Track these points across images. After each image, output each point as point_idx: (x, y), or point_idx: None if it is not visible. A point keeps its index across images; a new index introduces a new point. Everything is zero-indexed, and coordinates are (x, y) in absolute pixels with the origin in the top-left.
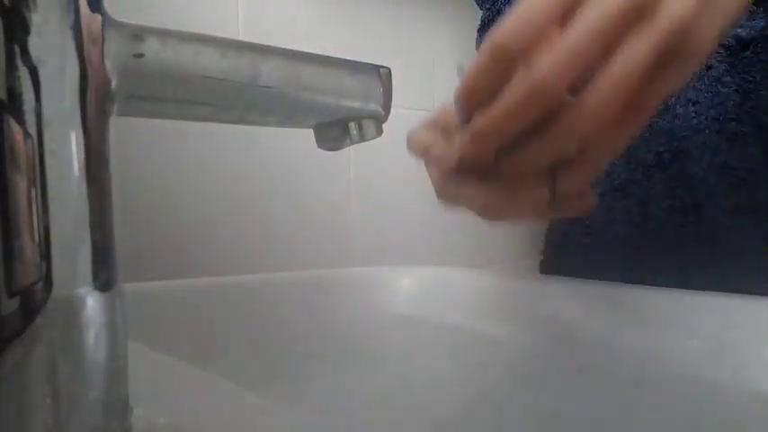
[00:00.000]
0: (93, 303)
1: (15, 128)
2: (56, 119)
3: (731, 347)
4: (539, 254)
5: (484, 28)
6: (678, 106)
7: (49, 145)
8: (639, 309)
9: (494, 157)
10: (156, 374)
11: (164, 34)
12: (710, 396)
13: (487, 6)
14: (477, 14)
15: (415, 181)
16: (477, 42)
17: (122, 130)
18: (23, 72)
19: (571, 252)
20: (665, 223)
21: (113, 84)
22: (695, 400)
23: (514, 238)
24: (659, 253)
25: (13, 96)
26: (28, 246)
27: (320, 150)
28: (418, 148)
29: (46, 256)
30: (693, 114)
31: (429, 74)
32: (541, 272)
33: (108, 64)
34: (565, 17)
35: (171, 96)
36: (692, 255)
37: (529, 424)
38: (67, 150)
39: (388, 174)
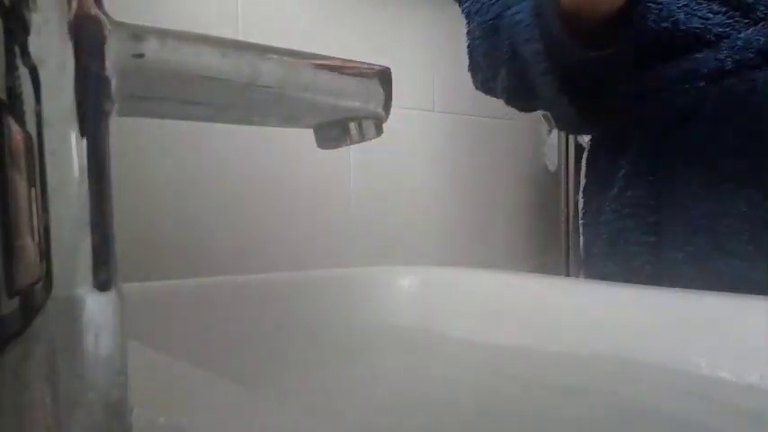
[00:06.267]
0: (92, 303)
1: (15, 128)
2: (56, 119)
3: None
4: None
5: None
6: None
7: (49, 145)
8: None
9: None
10: (156, 374)
11: (164, 34)
12: None
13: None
14: None
15: (415, 181)
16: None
17: (123, 131)
18: (23, 72)
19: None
20: None
21: (113, 84)
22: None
23: (514, 237)
24: None
25: (13, 96)
26: (28, 246)
27: (320, 150)
28: None
29: (46, 256)
30: None
31: (429, 74)
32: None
33: (108, 64)
34: None
35: (171, 96)
36: None
37: None
38: (67, 150)
39: (388, 174)
